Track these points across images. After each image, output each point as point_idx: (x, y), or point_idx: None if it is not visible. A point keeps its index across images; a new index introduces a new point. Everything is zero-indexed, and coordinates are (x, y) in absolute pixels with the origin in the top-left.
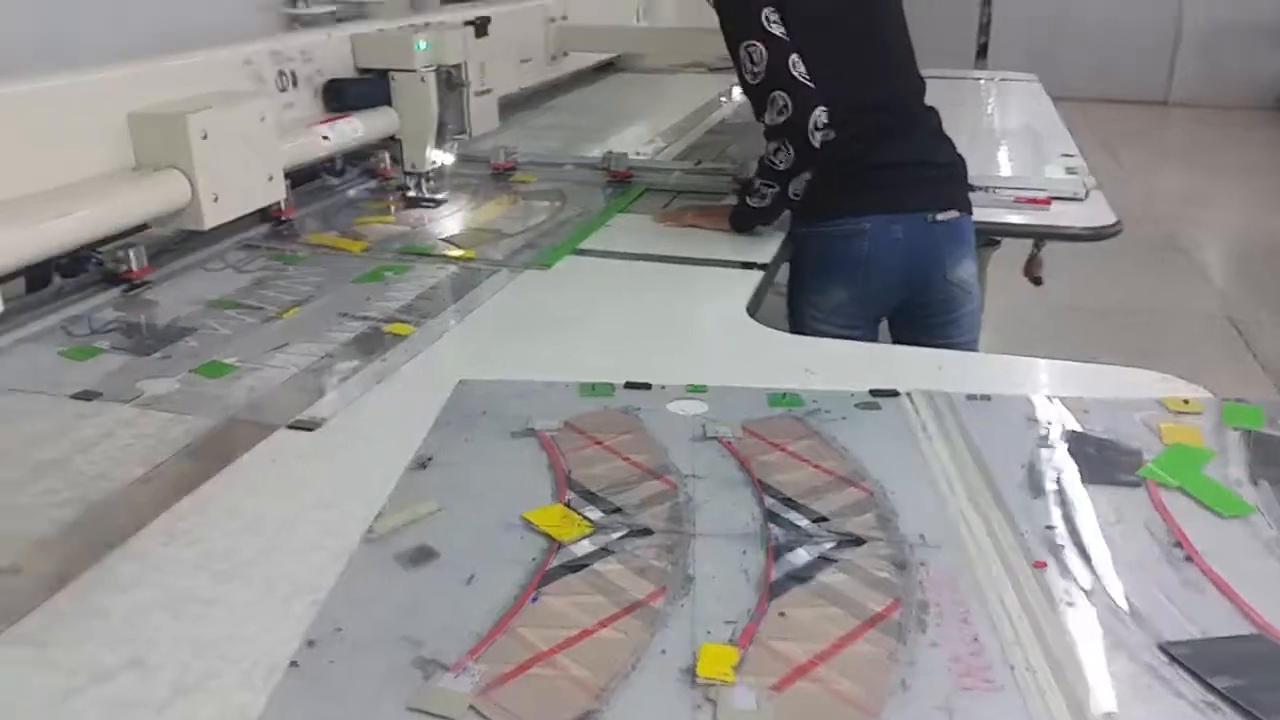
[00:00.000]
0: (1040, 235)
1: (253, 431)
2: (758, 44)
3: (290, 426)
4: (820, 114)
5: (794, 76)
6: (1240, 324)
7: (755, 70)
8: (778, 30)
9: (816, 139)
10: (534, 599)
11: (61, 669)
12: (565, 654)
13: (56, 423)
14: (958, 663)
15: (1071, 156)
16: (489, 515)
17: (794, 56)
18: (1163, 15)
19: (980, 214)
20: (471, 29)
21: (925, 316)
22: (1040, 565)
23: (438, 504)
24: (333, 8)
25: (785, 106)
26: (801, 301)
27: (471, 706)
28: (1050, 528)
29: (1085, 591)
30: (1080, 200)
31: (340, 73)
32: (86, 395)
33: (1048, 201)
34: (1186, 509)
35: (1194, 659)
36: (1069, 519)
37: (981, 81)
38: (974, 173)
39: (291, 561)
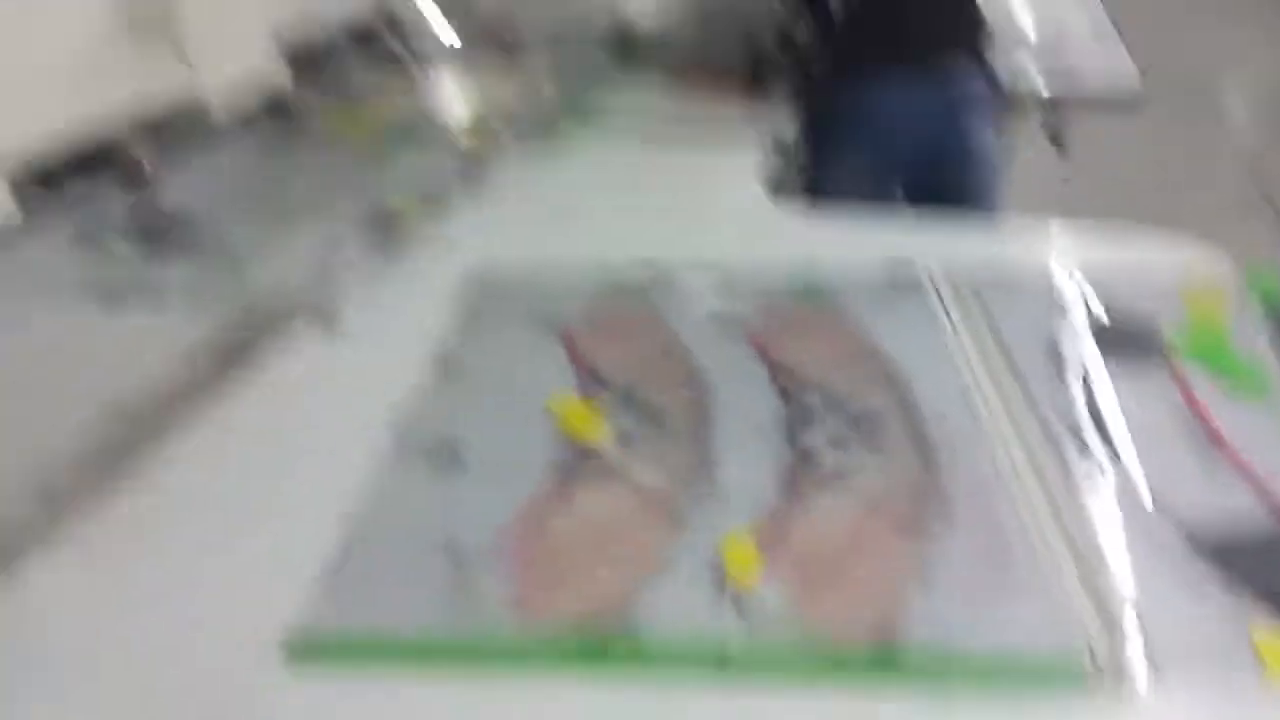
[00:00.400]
0: (1058, 103)
1: (276, 323)
2: None
3: (311, 319)
4: None
5: None
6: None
7: None
8: None
9: (834, 3)
10: (559, 496)
11: (111, 573)
12: (595, 551)
13: (77, 322)
14: (980, 555)
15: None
16: (513, 411)
17: None
18: None
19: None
20: None
21: (941, 183)
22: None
23: (460, 401)
24: None
25: None
26: (815, 165)
27: (498, 601)
28: (1069, 410)
29: (1106, 475)
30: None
31: None
32: (106, 294)
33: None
34: (1208, 388)
35: (1217, 551)
36: (1090, 398)
37: None
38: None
39: (320, 461)
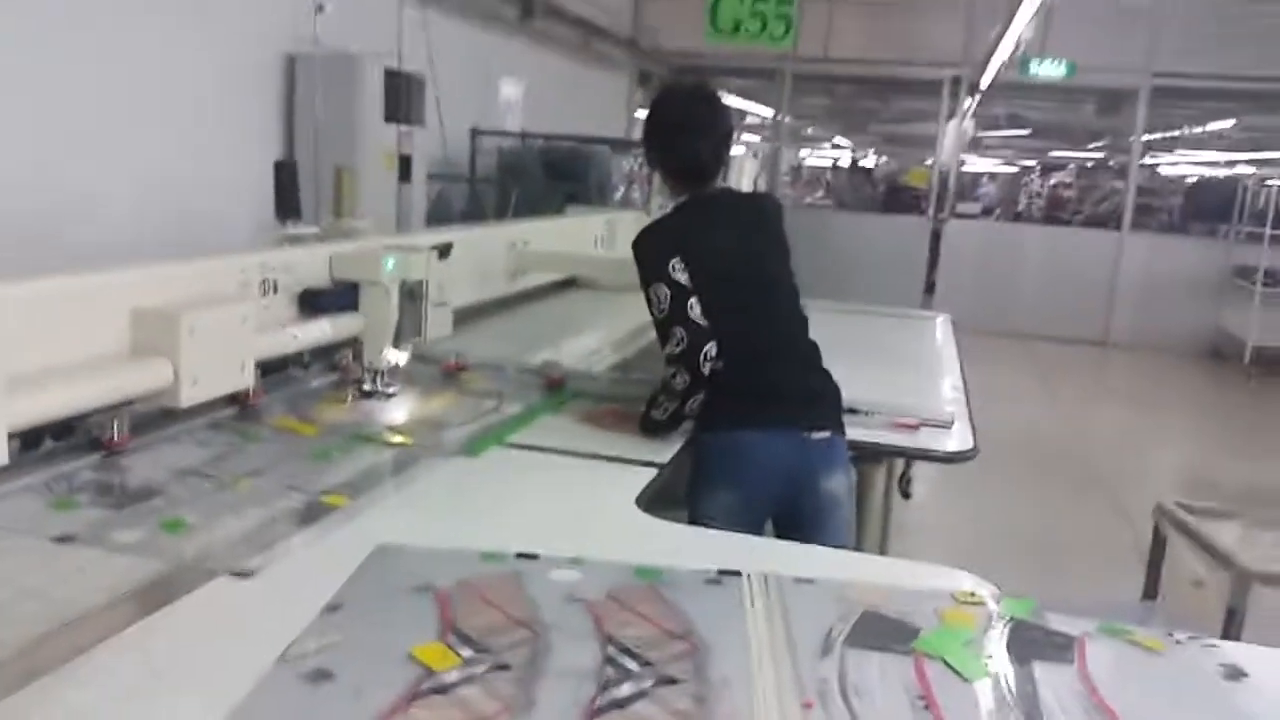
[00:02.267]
0: (907, 455)
1: (200, 575)
2: (663, 286)
3: (230, 574)
4: (710, 348)
5: (690, 317)
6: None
7: (660, 307)
8: (681, 277)
9: (706, 368)
10: (404, 711)
11: None
12: None
13: (38, 558)
14: None
15: (955, 388)
16: (381, 648)
17: (692, 300)
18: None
19: (857, 434)
20: (436, 252)
21: (800, 522)
22: (809, 705)
23: (340, 637)
24: (316, 230)
25: (681, 340)
26: (695, 500)
27: None
28: (825, 680)
29: None
30: (947, 427)
31: (318, 282)
32: (64, 538)
33: (916, 426)
34: (940, 673)
35: None
36: (843, 675)
37: (893, 319)
38: (861, 398)
39: (219, 673)
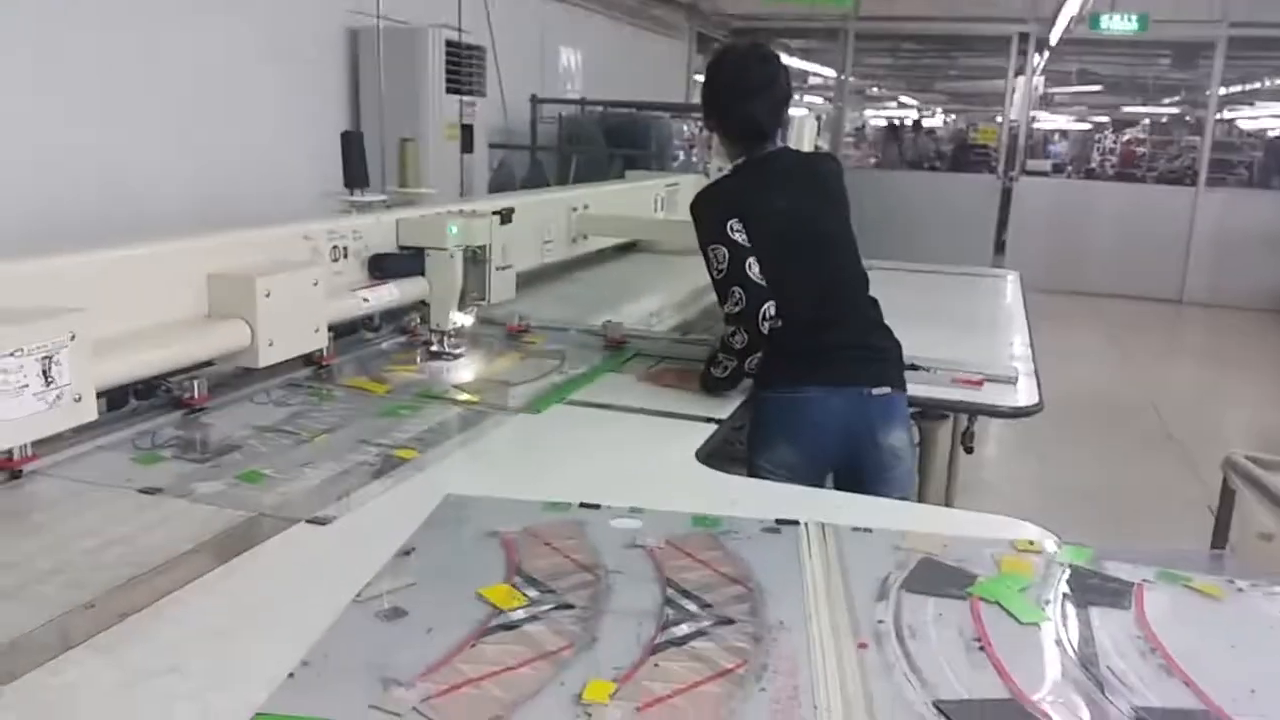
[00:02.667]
0: (970, 410)
1: (278, 524)
2: (721, 247)
3: (308, 521)
4: (769, 307)
5: (749, 276)
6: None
7: (719, 268)
8: (739, 237)
9: (765, 327)
10: (473, 645)
11: (121, 669)
12: (490, 681)
13: (126, 509)
14: (776, 703)
15: (1023, 345)
16: (451, 589)
17: (751, 259)
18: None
19: (920, 391)
20: (498, 217)
21: (861, 477)
22: (863, 645)
23: (414, 579)
24: (384, 197)
25: (740, 299)
26: (755, 455)
27: (414, 709)
28: (881, 622)
29: (890, 665)
30: (1012, 382)
31: (385, 248)
32: (150, 490)
33: (980, 383)
34: (996, 617)
35: (954, 711)
36: (898, 617)
37: (961, 277)
38: (925, 355)
39: (298, 612)
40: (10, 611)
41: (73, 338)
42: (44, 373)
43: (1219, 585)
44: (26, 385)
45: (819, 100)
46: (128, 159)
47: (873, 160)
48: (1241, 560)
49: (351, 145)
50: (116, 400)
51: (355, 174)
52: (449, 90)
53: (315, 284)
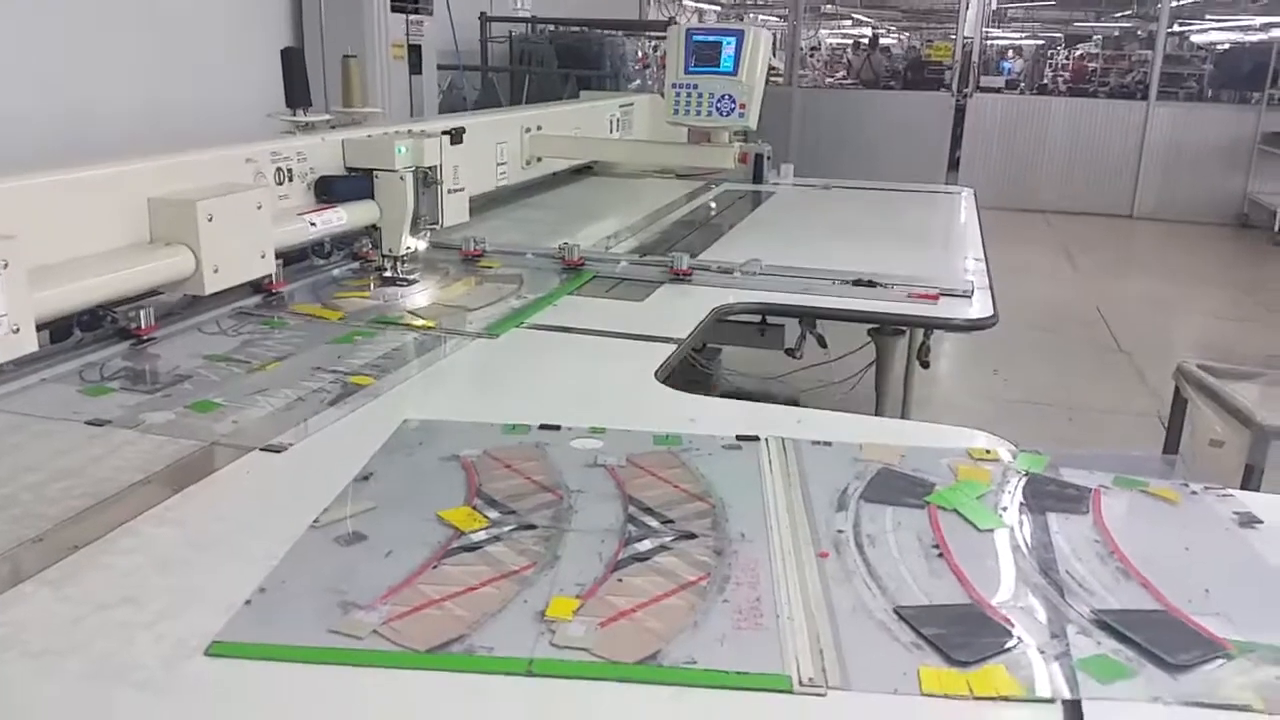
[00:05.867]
0: (926, 325)
1: (231, 452)
2: None
3: (262, 449)
4: None
5: None
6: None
7: None
8: None
9: None
10: (434, 567)
11: (74, 603)
12: (451, 601)
13: (74, 441)
14: (739, 613)
15: (976, 260)
16: (411, 513)
17: None
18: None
19: (876, 306)
20: (448, 137)
21: None
22: (824, 555)
23: (372, 504)
24: (329, 117)
25: None
26: None
27: (374, 631)
28: (840, 531)
29: (850, 573)
30: (967, 296)
31: (331, 171)
32: (98, 422)
33: (935, 297)
34: (955, 524)
35: (914, 616)
36: (858, 526)
37: (914, 195)
38: (880, 272)
39: (254, 540)
40: None
41: (4, 265)
42: None
43: (1174, 489)
44: None
45: (773, 19)
46: (76, 83)
47: (840, 75)
48: (1193, 466)
49: (292, 63)
50: (60, 333)
51: (297, 93)
52: (394, 9)
53: (259, 207)
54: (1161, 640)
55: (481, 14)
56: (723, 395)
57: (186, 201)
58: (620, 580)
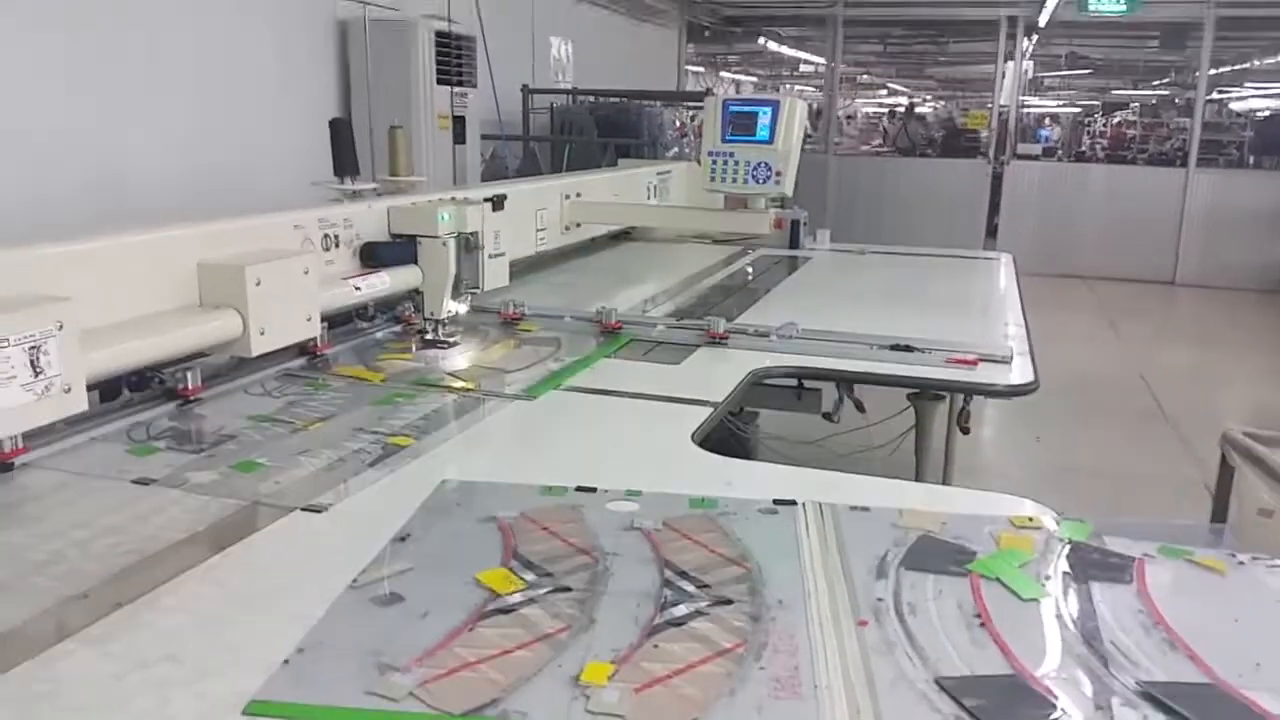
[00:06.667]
0: (965, 390)
1: (273, 512)
2: None
3: (303, 509)
4: None
5: None
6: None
7: None
8: None
9: None
10: (470, 629)
11: (115, 659)
12: (487, 664)
13: (120, 499)
14: (777, 682)
15: (1017, 325)
16: (448, 574)
17: None
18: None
19: (914, 371)
20: (489, 204)
21: None
22: (863, 623)
23: (410, 565)
24: (375, 186)
25: None
26: None
27: (411, 693)
28: (880, 599)
29: (891, 642)
30: (1006, 362)
31: (376, 236)
32: (144, 481)
33: (974, 362)
34: (997, 593)
35: (956, 687)
36: (898, 594)
37: (953, 260)
38: (918, 336)
39: (293, 599)
40: (2, 604)
41: (60, 327)
42: (32, 363)
43: (1221, 559)
44: (14, 376)
45: (809, 89)
46: (121, 149)
47: (876, 143)
48: (1241, 537)
49: (340, 133)
50: (110, 392)
51: (345, 162)
52: (440, 81)
53: (306, 272)
54: (1211, 714)
55: (524, 86)
56: (760, 460)
57: (235, 266)
58: (656, 646)
